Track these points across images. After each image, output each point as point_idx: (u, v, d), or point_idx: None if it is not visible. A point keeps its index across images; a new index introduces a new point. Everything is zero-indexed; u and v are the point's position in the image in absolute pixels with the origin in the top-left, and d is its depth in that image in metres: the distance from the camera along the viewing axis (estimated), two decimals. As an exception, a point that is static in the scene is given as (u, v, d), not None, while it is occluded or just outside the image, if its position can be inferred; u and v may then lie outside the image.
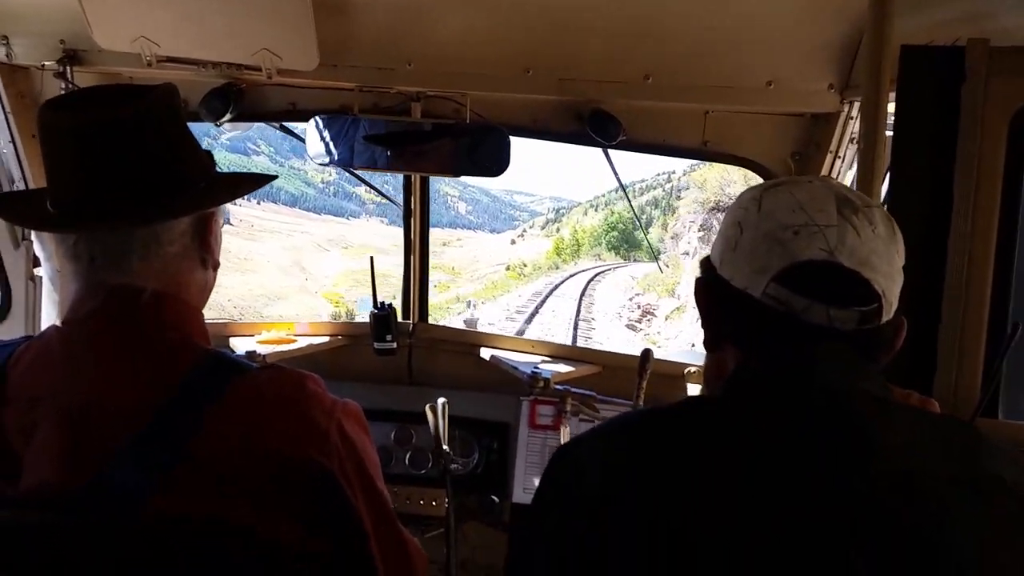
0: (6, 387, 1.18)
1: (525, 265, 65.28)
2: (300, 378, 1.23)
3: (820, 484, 0.91)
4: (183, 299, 1.29)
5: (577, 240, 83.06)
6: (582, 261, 70.22)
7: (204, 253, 1.32)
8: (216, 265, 1.37)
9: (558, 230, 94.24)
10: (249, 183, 1.38)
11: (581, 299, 30.25)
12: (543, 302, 29.64)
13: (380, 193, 3.12)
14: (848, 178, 2.48)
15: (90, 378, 1.15)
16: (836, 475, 0.91)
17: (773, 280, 1.02)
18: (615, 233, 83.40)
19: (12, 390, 1.17)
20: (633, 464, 0.99)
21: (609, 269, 49.89)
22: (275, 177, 1.51)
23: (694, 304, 1.22)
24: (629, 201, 4.09)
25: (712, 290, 1.12)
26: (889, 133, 1.75)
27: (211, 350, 1.23)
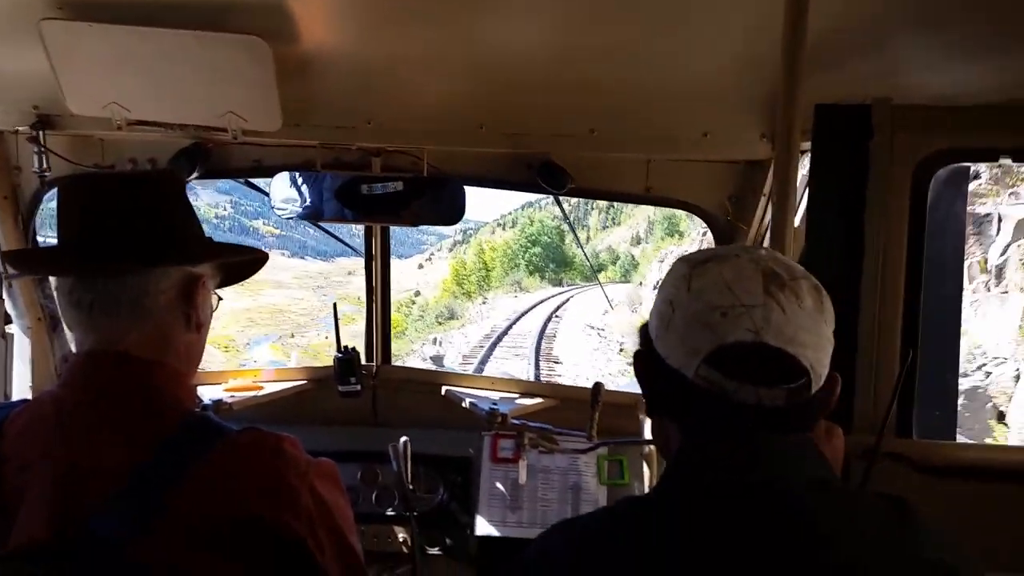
0: (2, 447, 1.27)
1: (412, 302, 49.42)
2: (277, 441, 1.32)
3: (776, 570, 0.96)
4: (170, 364, 1.39)
5: (485, 263, 60.42)
6: (494, 294, 50.53)
7: (188, 308, 1.43)
8: (199, 326, 1.47)
9: (466, 252, 74.68)
10: (234, 253, 1.50)
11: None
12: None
13: (343, 243, 3.24)
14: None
15: (79, 442, 1.25)
16: (784, 570, 0.96)
17: (703, 362, 1.07)
18: (537, 249, 62.71)
19: (8, 450, 1.27)
20: None
21: (551, 310, 33.29)
22: (266, 257, 1.61)
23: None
24: (565, 216, 3.96)
25: (650, 364, 1.18)
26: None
27: (196, 413, 1.35)
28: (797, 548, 0.97)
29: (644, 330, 1.22)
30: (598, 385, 2.63)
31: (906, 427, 2.01)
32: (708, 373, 1.07)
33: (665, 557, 1.00)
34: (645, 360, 1.20)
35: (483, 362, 20.12)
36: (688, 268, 1.15)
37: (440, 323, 39.39)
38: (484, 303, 46.19)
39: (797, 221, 2.27)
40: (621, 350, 23.15)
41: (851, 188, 1.88)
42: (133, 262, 1.36)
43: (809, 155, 1.96)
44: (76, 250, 1.38)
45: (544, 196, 3.12)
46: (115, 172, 1.45)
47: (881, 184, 1.87)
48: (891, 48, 2.02)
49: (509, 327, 27.90)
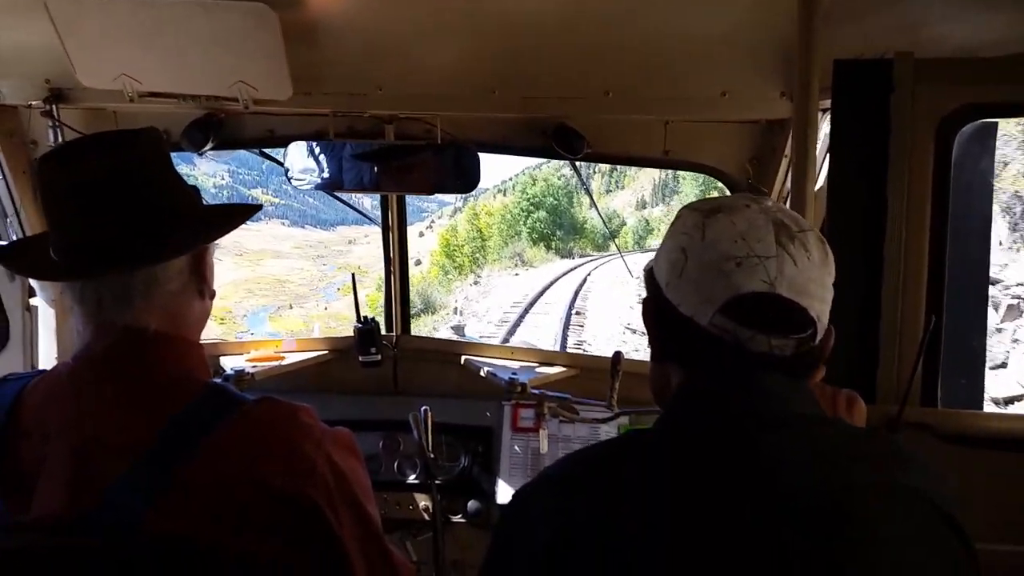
0: (20, 420, 1.28)
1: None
2: (292, 411, 1.31)
3: (751, 500, 0.98)
4: (183, 336, 1.38)
5: (480, 231, 50.18)
6: (490, 270, 41.90)
7: (201, 285, 1.42)
8: (212, 294, 1.46)
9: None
10: (238, 216, 1.46)
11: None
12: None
13: (361, 214, 3.22)
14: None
15: (96, 414, 1.24)
16: (765, 489, 0.99)
17: (719, 311, 1.08)
18: (541, 214, 52.45)
19: (26, 423, 1.28)
20: (577, 517, 1.05)
21: (569, 302, 22.85)
22: (261, 207, 1.59)
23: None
24: (581, 178, 3.54)
25: (660, 311, 1.18)
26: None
27: (211, 384, 1.33)
28: (779, 472, 1.01)
29: (651, 276, 1.22)
30: (618, 354, 2.58)
31: (931, 396, 1.94)
32: (723, 322, 1.09)
33: (655, 482, 1.04)
34: (655, 307, 1.20)
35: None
36: (700, 217, 1.15)
37: (419, 313, 27.93)
38: (476, 283, 37.32)
39: (820, 183, 2.21)
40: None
41: (873, 147, 1.79)
42: (139, 260, 1.30)
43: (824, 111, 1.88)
44: (76, 251, 1.31)
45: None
46: (95, 146, 1.33)
47: (903, 142, 1.78)
48: None
49: (514, 326, 19.82)
